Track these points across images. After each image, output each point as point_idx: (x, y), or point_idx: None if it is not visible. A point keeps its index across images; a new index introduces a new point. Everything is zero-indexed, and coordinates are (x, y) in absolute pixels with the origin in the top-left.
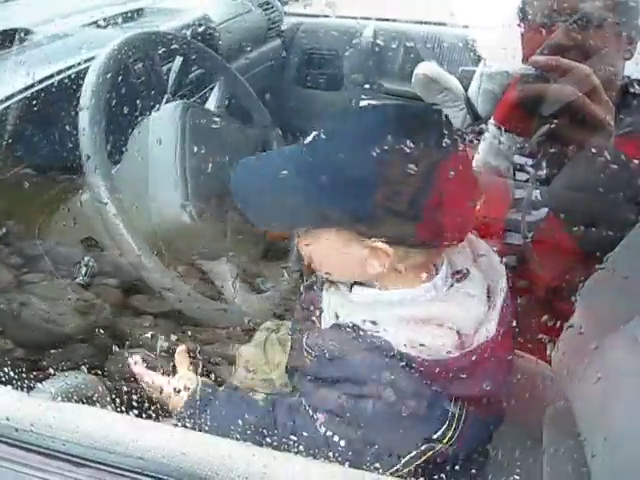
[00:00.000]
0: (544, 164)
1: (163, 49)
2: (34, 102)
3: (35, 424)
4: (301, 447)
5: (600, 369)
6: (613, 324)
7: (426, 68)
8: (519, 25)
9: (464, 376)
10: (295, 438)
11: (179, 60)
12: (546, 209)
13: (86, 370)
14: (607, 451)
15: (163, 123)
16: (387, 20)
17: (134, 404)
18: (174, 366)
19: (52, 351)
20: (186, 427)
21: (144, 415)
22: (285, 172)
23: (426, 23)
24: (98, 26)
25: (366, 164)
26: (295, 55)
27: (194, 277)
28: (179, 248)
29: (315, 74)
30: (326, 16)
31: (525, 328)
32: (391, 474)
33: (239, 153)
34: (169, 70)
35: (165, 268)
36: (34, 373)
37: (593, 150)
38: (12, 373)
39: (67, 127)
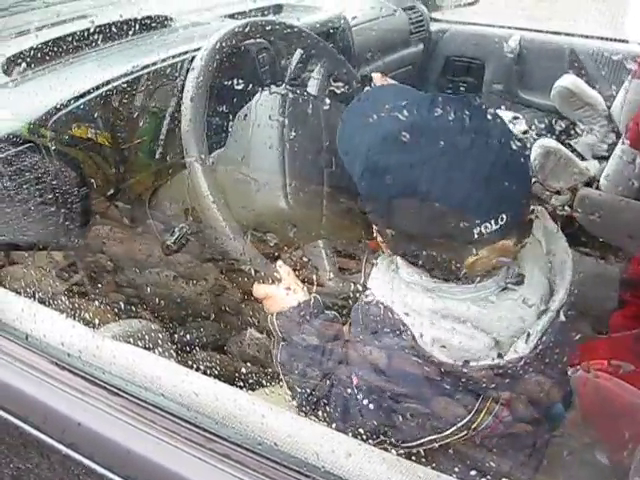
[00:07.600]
0: None
1: (270, 38)
2: (158, 80)
3: (83, 352)
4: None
5: None
6: None
7: (568, 81)
8: None
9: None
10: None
11: (299, 52)
12: None
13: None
14: None
15: (263, 109)
16: (534, 30)
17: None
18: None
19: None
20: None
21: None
22: None
23: (574, 35)
24: (236, 18)
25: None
26: (437, 61)
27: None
28: (274, 232)
29: (455, 81)
30: (474, 23)
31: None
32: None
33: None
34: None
35: (256, 251)
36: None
37: None
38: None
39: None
